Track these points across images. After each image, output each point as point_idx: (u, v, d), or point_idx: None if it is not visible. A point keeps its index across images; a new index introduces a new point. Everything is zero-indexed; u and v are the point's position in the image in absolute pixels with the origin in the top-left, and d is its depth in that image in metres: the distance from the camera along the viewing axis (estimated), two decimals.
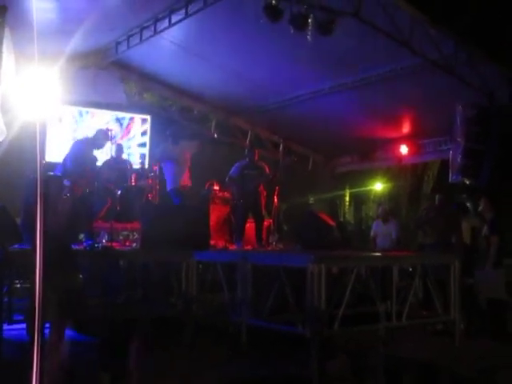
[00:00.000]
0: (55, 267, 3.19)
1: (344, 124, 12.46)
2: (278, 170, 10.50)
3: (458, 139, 9.51)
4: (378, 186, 14.89)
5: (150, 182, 10.61)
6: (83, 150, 9.00)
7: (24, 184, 7.74)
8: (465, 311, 7.89)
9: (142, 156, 12.35)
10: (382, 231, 11.05)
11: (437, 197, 9.38)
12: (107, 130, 9.70)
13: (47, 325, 5.56)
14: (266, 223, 10.30)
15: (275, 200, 10.65)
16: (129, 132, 12.43)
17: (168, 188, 10.09)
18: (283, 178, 10.86)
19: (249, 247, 9.45)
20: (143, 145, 12.55)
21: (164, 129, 12.77)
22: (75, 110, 11.85)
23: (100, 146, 9.30)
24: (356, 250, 10.75)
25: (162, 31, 9.57)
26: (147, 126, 12.61)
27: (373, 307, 6.69)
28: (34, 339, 5.14)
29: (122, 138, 12.12)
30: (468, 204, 9.97)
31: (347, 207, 15.60)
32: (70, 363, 5.65)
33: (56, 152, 10.83)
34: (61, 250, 2.92)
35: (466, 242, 9.18)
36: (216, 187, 10.77)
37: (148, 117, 12.59)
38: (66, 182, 8.23)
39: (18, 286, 7.71)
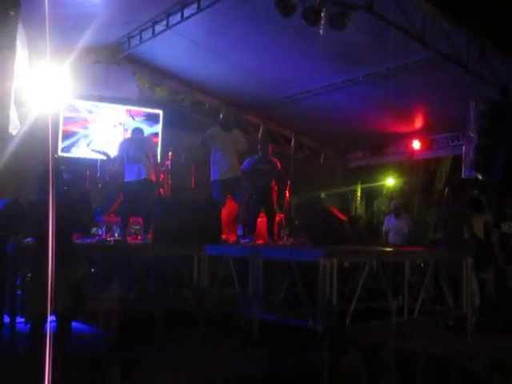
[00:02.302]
0: (56, 259, 3.21)
1: (356, 118, 12.43)
2: (289, 164, 10.49)
3: (471, 134, 9.46)
4: (390, 181, 14.85)
5: (162, 176, 10.66)
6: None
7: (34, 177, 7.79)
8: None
9: None
10: (394, 226, 11.01)
11: (446, 191, 9.35)
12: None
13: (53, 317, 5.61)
14: (277, 218, 10.30)
15: (286, 195, 10.66)
16: None
17: (212, 178, 9.15)
18: (295, 173, 10.86)
19: (260, 242, 9.46)
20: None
21: (176, 123, 12.82)
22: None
23: None
24: (367, 244, 10.74)
25: (174, 26, 9.59)
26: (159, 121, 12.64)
27: (384, 302, 6.68)
28: (34, 330, 5.19)
29: None
30: (482, 199, 9.91)
31: (359, 202, 15.57)
32: (79, 356, 5.71)
33: None
34: (61, 242, 2.94)
35: (479, 237, 9.13)
36: None
37: (160, 111, 12.62)
38: (66, 175, 8.30)
39: None
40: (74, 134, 11.68)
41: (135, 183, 8.73)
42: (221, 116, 9.71)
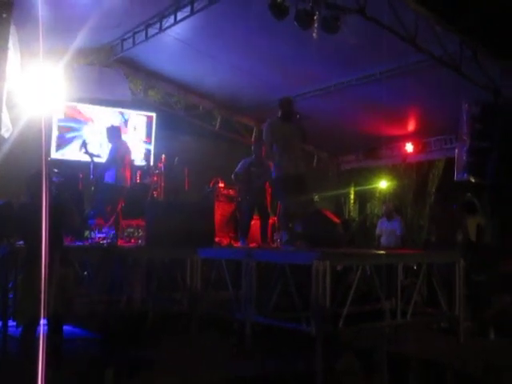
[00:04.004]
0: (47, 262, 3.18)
1: (349, 121, 12.45)
2: None
3: (464, 137, 9.49)
4: (383, 184, 14.88)
5: (155, 179, 10.65)
6: None
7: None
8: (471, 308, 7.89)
9: (147, 153, 12.38)
10: (387, 229, 11.03)
11: (433, 195, 9.38)
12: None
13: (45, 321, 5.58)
14: (270, 221, 10.30)
15: None
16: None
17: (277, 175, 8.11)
18: None
19: (253, 244, 9.45)
20: (148, 142, 12.56)
21: (169, 126, 12.80)
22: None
23: (109, 141, 9.36)
24: (360, 247, 10.74)
25: (167, 28, 9.59)
26: (152, 124, 12.62)
27: (377, 305, 6.68)
28: (25, 334, 5.16)
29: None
30: (475, 202, 9.94)
31: (352, 205, 15.59)
32: (72, 359, 5.69)
33: None
34: (51, 245, 2.92)
35: (471, 240, 9.15)
36: (221, 184, 10.78)
37: (153, 114, 12.61)
38: (55, 179, 8.33)
39: None
40: (68, 131, 11.73)
41: (131, 188, 9.18)
42: (279, 106, 8.26)
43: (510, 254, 8.91)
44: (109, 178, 8.98)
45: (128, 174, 9.23)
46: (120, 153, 9.09)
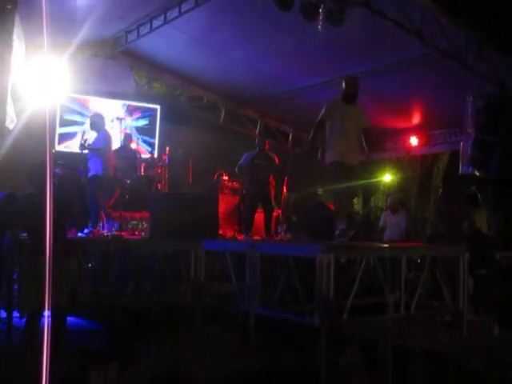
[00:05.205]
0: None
1: None
2: (287, 160, 10.48)
3: (468, 130, 9.46)
4: (387, 177, 14.84)
5: (160, 171, 10.67)
6: None
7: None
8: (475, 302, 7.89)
9: (151, 145, 12.40)
10: (391, 222, 11.02)
11: (441, 188, 9.36)
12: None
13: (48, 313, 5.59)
14: (274, 213, 10.31)
15: (284, 190, 10.67)
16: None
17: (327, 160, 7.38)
18: (292, 169, 10.86)
19: (257, 237, 9.46)
20: (152, 134, 12.56)
21: (173, 118, 12.81)
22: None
23: (95, 130, 9.26)
24: (364, 240, 10.74)
25: (171, 20, 9.58)
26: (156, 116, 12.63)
27: (381, 298, 6.68)
28: (29, 324, 5.19)
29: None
30: (477, 195, 9.92)
31: (356, 198, 15.55)
32: (76, 350, 5.71)
33: None
34: (54, 236, 2.94)
35: (483, 233, 9.11)
36: (225, 177, 10.80)
37: (157, 106, 12.60)
38: (57, 170, 8.34)
39: None
40: (71, 123, 11.72)
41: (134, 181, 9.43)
42: (343, 84, 7.35)
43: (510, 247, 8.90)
44: (95, 169, 8.82)
45: (112, 163, 9.14)
46: (109, 141, 9.05)
